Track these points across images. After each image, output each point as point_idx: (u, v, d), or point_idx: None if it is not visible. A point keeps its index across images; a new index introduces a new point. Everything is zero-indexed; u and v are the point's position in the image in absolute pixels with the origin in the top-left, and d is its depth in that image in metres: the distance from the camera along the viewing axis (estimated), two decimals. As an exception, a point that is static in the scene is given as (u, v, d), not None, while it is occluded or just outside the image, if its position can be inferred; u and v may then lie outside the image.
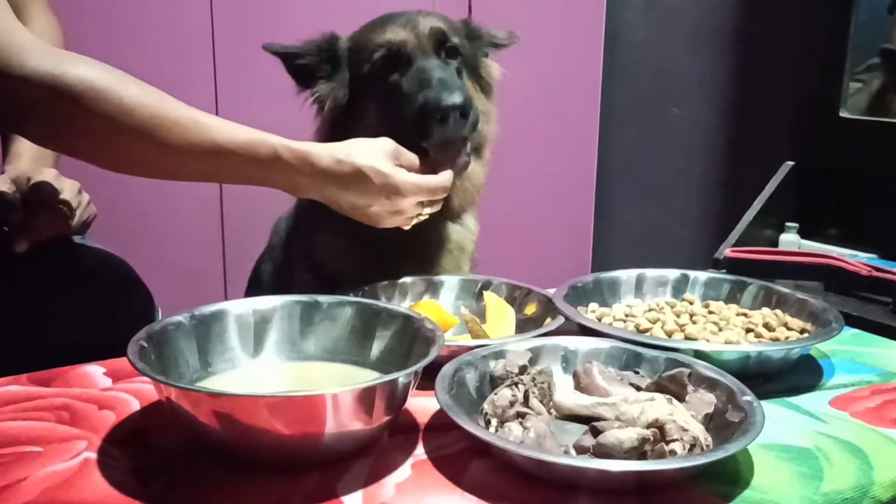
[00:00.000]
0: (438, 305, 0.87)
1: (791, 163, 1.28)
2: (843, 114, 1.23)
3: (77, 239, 0.87)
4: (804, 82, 1.31)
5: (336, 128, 0.94)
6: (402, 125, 0.86)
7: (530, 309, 0.88)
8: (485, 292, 0.89)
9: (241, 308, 0.70)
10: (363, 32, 0.95)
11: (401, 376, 0.57)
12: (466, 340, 0.76)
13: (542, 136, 1.88)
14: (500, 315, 0.84)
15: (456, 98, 0.82)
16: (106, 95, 0.65)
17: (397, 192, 0.80)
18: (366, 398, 0.55)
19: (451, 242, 1.01)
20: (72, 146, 0.71)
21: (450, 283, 0.93)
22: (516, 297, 0.89)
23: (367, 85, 0.92)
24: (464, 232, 1.03)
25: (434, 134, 0.84)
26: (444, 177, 0.85)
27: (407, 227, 0.87)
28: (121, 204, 1.55)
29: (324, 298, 0.73)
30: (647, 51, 1.89)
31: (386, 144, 0.81)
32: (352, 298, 0.74)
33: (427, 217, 0.88)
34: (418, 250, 0.96)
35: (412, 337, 0.67)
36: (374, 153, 0.79)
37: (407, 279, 0.91)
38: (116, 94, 0.66)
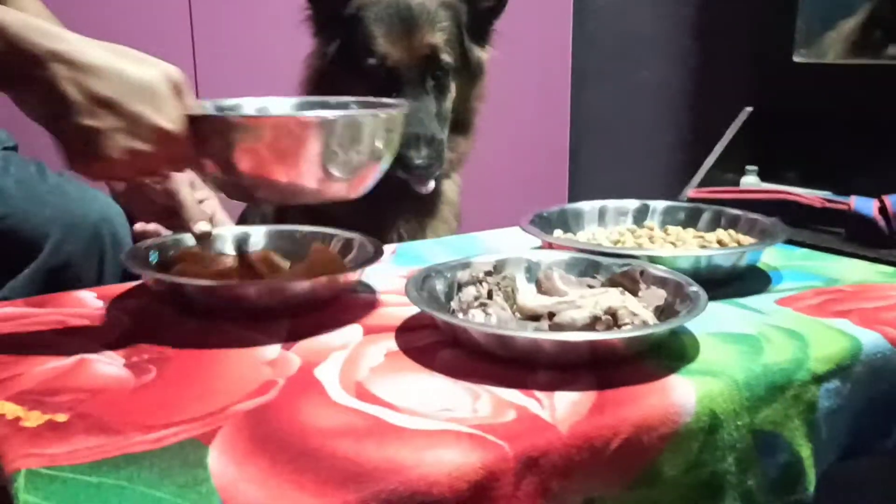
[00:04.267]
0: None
1: (749, 108, 1.34)
2: (797, 59, 1.29)
3: (55, 179, 0.90)
4: (759, 29, 1.37)
5: (323, 85, 1.03)
6: None
7: None
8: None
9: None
10: (366, 13, 0.98)
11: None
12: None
13: (515, 102, 1.93)
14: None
15: (422, 159, 0.95)
16: None
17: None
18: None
19: (443, 195, 1.11)
20: None
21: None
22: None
23: (364, 72, 0.98)
24: (451, 185, 1.16)
25: (400, 173, 0.97)
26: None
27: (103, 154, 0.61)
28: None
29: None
30: (615, 10, 1.95)
31: (173, 71, 0.63)
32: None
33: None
34: (413, 202, 1.03)
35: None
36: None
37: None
38: None
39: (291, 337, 0.68)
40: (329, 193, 0.65)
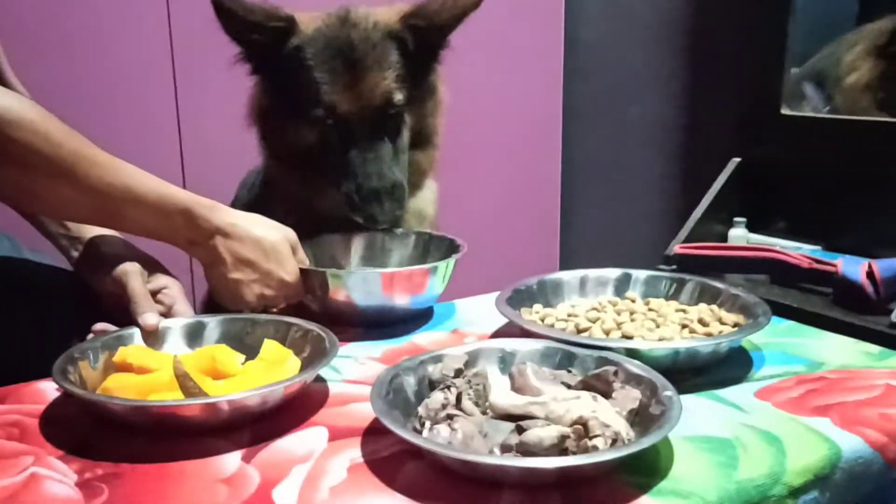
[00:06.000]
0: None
1: (737, 159, 1.32)
2: (785, 111, 1.27)
3: (29, 255, 0.89)
4: (748, 80, 1.35)
5: (269, 124, 0.99)
6: (339, 188, 0.95)
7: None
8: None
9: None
10: (306, 54, 0.92)
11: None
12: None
13: (505, 138, 1.91)
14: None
15: (385, 215, 0.94)
16: (33, 128, 0.68)
17: (279, 259, 0.81)
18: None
19: (409, 210, 1.04)
20: None
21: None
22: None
23: (311, 121, 0.93)
24: (420, 198, 1.07)
25: (362, 219, 0.96)
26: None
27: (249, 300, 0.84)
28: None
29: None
30: (606, 50, 1.93)
31: (290, 234, 0.85)
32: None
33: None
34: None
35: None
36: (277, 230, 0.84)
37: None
38: (43, 127, 0.68)
39: (254, 440, 0.66)
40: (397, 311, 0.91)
